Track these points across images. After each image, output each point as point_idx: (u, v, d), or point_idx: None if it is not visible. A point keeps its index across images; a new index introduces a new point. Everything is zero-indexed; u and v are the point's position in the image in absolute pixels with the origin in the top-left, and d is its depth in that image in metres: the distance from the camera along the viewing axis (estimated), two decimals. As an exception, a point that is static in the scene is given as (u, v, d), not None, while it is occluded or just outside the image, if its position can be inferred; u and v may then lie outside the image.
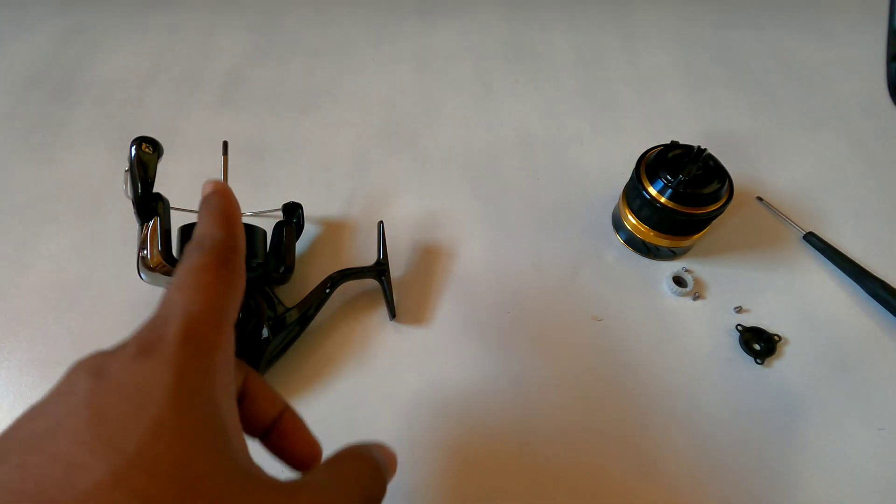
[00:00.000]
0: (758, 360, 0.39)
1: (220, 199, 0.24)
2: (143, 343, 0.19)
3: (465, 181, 0.50)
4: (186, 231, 0.36)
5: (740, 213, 0.48)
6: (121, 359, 0.19)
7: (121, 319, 0.41)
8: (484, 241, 0.46)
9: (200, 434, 0.17)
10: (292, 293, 0.42)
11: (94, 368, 0.18)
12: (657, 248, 0.43)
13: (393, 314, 0.40)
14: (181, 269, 0.21)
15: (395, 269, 0.43)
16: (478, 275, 0.44)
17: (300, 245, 0.44)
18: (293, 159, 0.51)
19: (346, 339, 0.40)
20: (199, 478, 0.16)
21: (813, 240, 0.45)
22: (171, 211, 0.36)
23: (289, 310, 0.38)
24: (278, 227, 0.41)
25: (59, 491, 0.15)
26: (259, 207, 0.45)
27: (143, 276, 0.35)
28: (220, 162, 0.40)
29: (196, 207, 0.40)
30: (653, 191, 0.39)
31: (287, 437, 0.24)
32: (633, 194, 0.42)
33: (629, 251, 0.45)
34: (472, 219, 0.47)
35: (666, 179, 0.39)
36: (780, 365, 0.39)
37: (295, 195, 0.45)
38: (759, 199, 0.48)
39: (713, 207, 0.39)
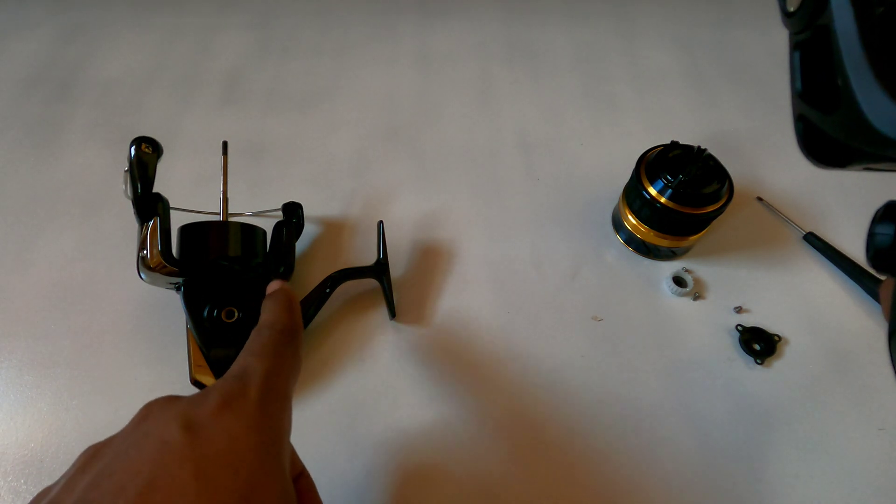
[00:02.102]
0: (758, 360, 0.39)
1: (286, 294, 0.29)
2: (226, 395, 0.22)
3: (465, 181, 0.50)
4: (186, 231, 0.36)
5: (740, 213, 0.48)
6: (206, 410, 0.21)
7: (121, 319, 0.41)
8: (484, 241, 0.46)
9: (279, 496, 0.21)
10: (292, 293, 0.42)
11: (183, 420, 0.21)
12: (657, 248, 0.43)
13: (393, 314, 0.40)
14: (257, 342, 0.26)
15: (395, 269, 0.43)
16: (478, 275, 0.44)
17: (300, 245, 0.44)
18: (293, 159, 0.51)
19: (346, 338, 0.40)
20: None
21: (813, 240, 0.45)
22: (171, 211, 0.36)
23: (289, 310, 0.38)
24: (278, 227, 0.41)
25: None
26: (259, 207, 0.45)
27: (142, 275, 0.35)
28: (220, 162, 0.40)
29: (195, 208, 0.41)
30: (653, 191, 0.39)
31: (301, 497, 0.26)
32: (633, 194, 0.41)
33: (629, 251, 0.45)
34: (472, 219, 0.47)
35: (666, 179, 0.39)
36: (780, 365, 0.39)
37: (295, 195, 0.45)
38: (759, 199, 0.48)
39: (713, 207, 0.39)
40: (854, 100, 0.17)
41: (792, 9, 0.21)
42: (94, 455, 0.21)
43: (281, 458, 0.22)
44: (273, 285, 0.31)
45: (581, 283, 0.43)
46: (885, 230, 0.21)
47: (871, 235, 0.22)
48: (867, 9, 0.17)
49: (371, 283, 0.42)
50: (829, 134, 0.20)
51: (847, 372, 0.39)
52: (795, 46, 0.21)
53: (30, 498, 0.34)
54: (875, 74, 0.17)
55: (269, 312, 0.28)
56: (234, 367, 0.25)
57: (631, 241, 0.44)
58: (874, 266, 0.22)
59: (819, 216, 0.47)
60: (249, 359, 0.25)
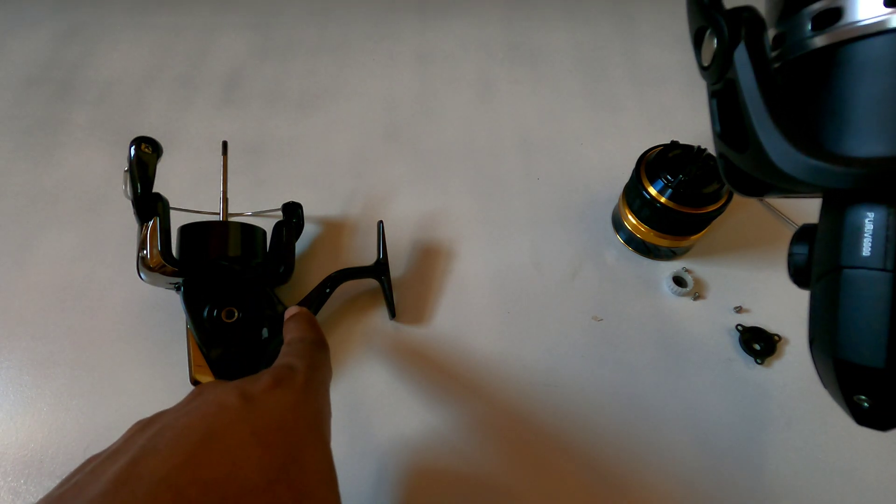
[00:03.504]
0: (758, 360, 0.39)
1: (307, 315, 0.33)
2: (277, 377, 0.25)
3: (465, 181, 0.50)
4: (186, 231, 0.36)
5: (740, 213, 0.48)
6: (260, 387, 0.24)
7: (121, 319, 0.41)
8: (484, 240, 0.46)
9: (322, 462, 0.23)
10: (292, 293, 0.42)
11: (239, 391, 0.23)
12: (657, 248, 0.43)
13: (393, 314, 0.40)
14: (294, 349, 0.28)
15: (395, 269, 0.43)
16: (478, 274, 0.44)
17: (300, 245, 0.44)
18: (293, 159, 0.51)
19: (346, 338, 0.40)
20: (324, 496, 0.22)
21: (813, 240, 0.45)
22: (171, 211, 0.36)
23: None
24: (278, 227, 0.41)
25: (228, 482, 0.19)
26: (259, 207, 0.45)
27: (142, 275, 0.35)
28: (220, 162, 0.40)
29: (195, 208, 0.41)
30: (653, 191, 0.39)
31: None
32: (633, 194, 0.41)
33: (629, 251, 0.45)
34: (472, 219, 0.47)
35: (666, 179, 0.39)
36: (780, 365, 0.39)
37: (295, 195, 0.45)
38: (760, 198, 0.48)
39: (713, 207, 0.39)
40: (759, 142, 0.20)
41: (706, 64, 0.24)
42: (148, 423, 0.23)
43: (324, 433, 0.25)
44: (292, 310, 0.34)
45: (581, 283, 0.43)
46: (800, 250, 0.24)
47: (790, 255, 0.24)
48: (764, 65, 0.20)
49: (371, 283, 0.42)
50: (744, 170, 0.22)
51: (847, 372, 0.39)
52: (712, 95, 0.24)
53: (30, 498, 0.34)
54: (773, 121, 0.19)
55: (294, 331, 0.31)
56: (279, 362, 0.27)
57: (631, 241, 0.44)
58: (795, 282, 0.24)
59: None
60: (290, 358, 0.27)
